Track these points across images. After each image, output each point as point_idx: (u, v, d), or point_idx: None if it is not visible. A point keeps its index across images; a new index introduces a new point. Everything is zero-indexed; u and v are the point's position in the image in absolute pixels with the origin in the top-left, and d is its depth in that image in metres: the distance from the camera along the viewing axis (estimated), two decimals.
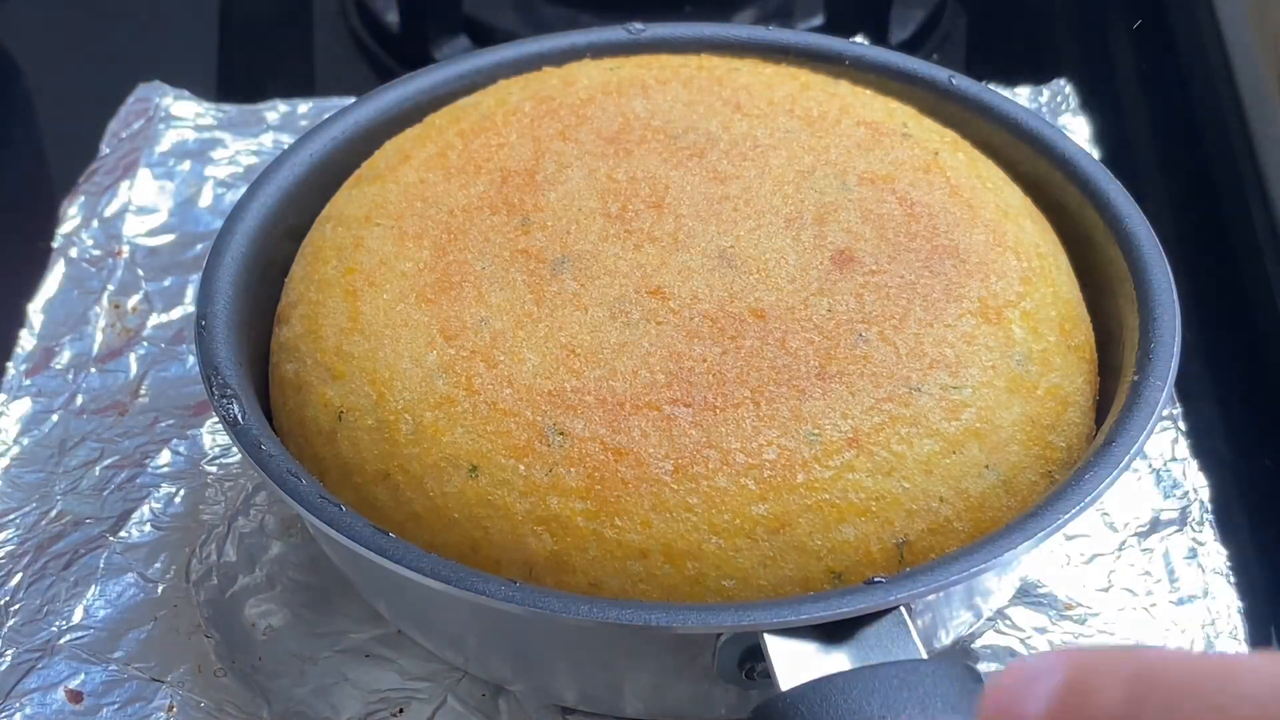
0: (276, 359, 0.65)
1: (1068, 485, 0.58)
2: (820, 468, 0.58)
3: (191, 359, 0.79)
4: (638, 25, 0.77)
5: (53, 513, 0.72)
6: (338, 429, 0.61)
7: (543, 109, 0.70)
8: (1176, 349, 0.62)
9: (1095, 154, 0.82)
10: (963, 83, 0.74)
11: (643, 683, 0.60)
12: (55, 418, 0.76)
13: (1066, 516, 0.57)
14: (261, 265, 0.68)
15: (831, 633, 0.54)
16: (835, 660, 0.53)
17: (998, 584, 0.63)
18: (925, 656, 0.53)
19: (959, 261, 0.64)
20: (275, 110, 0.92)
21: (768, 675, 0.55)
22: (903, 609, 0.54)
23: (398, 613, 0.64)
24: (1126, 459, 0.58)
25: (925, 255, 0.64)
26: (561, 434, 0.58)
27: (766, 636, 0.53)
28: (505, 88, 0.73)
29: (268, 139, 0.91)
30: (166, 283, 0.83)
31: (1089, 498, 0.57)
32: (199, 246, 0.84)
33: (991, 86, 0.75)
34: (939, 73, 0.75)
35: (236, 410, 0.60)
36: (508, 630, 0.59)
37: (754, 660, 0.55)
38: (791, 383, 0.59)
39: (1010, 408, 0.61)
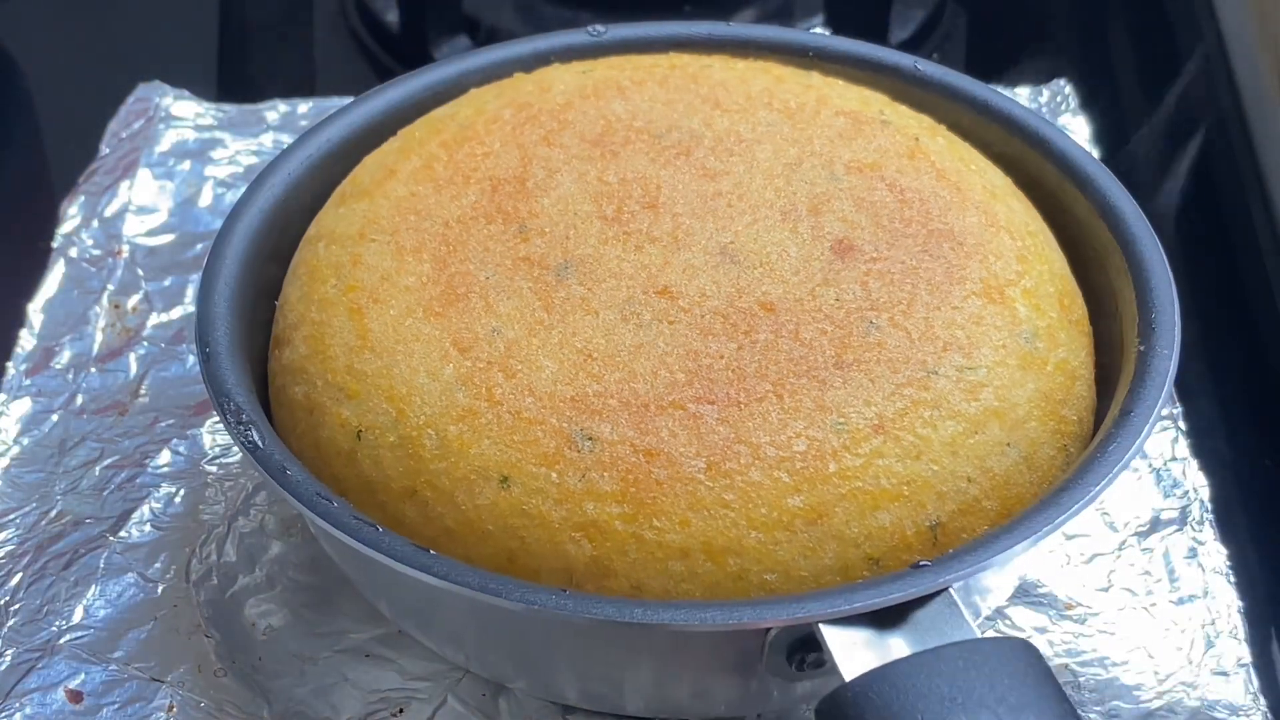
0: (281, 382, 0.65)
1: (1093, 458, 0.59)
2: (850, 456, 0.58)
3: (191, 359, 0.79)
4: (599, 27, 0.77)
5: (53, 513, 0.72)
6: (357, 448, 0.61)
7: (522, 115, 0.70)
8: (1177, 315, 0.63)
9: (1095, 154, 0.82)
10: (928, 68, 0.75)
11: (657, 681, 0.60)
12: (55, 418, 0.76)
13: (1097, 488, 0.57)
14: (252, 289, 0.67)
15: (884, 619, 0.54)
16: (892, 645, 0.54)
17: (997, 581, 0.63)
18: (980, 635, 0.54)
19: (956, 244, 0.65)
20: (275, 110, 0.92)
21: (817, 666, 0.55)
22: (951, 590, 0.55)
23: (399, 612, 0.64)
24: (1146, 428, 0.59)
25: (922, 240, 0.65)
26: (590, 439, 0.58)
27: (822, 627, 0.54)
28: (479, 96, 0.73)
29: (268, 139, 0.91)
30: (166, 283, 0.83)
31: (1117, 468, 0.58)
32: (199, 246, 0.84)
33: (992, 87, 0.75)
34: (903, 59, 0.75)
35: (256, 436, 0.60)
36: (514, 629, 0.59)
37: (803, 652, 0.55)
38: (811, 373, 0.60)
39: (1024, 385, 0.61)
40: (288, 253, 0.69)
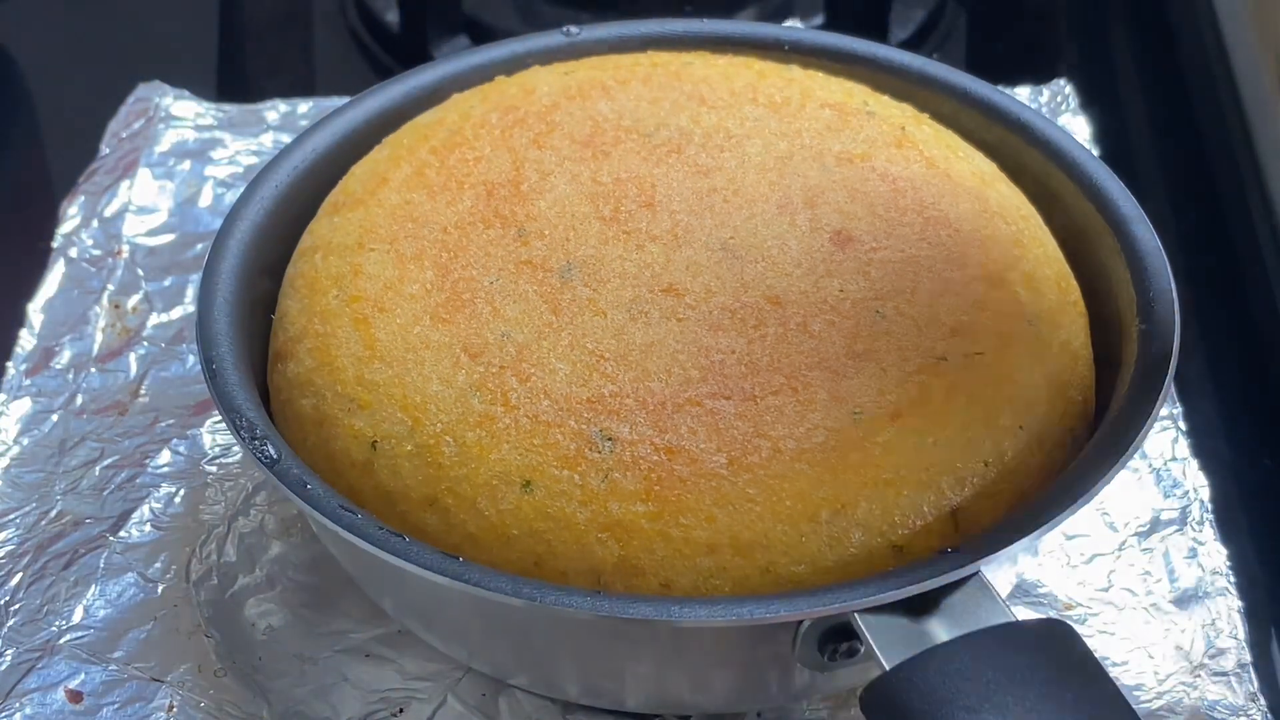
0: (286, 396, 0.64)
1: (1107, 435, 0.59)
2: (869, 445, 0.58)
3: (192, 359, 0.79)
4: (573, 28, 0.77)
5: (53, 513, 0.72)
6: (373, 459, 0.60)
7: (510, 119, 0.70)
8: (1175, 291, 0.64)
9: (1095, 153, 0.82)
10: (906, 58, 0.76)
11: (668, 676, 0.60)
12: (55, 417, 0.76)
13: (1117, 464, 0.58)
14: (247, 303, 0.67)
15: (919, 606, 0.54)
16: (929, 631, 0.54)
17: (995, 576, 0.63)
18: (1016, 619, 0.54)
19: (952, 231, 0.65)
20: (275, 110, 0.92)
21: (849, 655, 0.56)
22: (983, 574, 0.55)
23: (404, 611, 0.64)
24: (1156, 406, 0.59)
25: (919, 228, 0.65)
26: (610, 439, 0.58)
27: (859, 616, 0.54)
28: (464, 101, 0.73)
29: (268, 139, 0.91)
30: (166, 283, 0.83)
31: (1132, 445, 0.58)
32: (199, 246, 0.84)
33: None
34: (880, 50, 0.76)
35: (272, 450, 0.59)
36: (523, 627, 0.59)
37: (835, 642, 0.56)
38: (823, 365, 0.60)
39: (1031, 368, 0.62)
40: (280, 265, 0.69)
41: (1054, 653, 0.52)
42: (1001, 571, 0.64)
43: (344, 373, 0.62)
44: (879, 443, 0.58)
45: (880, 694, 0.52)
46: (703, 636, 0.56)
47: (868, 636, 0.54)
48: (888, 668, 0.52)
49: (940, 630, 0.54)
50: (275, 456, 0.59)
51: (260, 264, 0.68)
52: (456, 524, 0.59)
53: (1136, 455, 0.72)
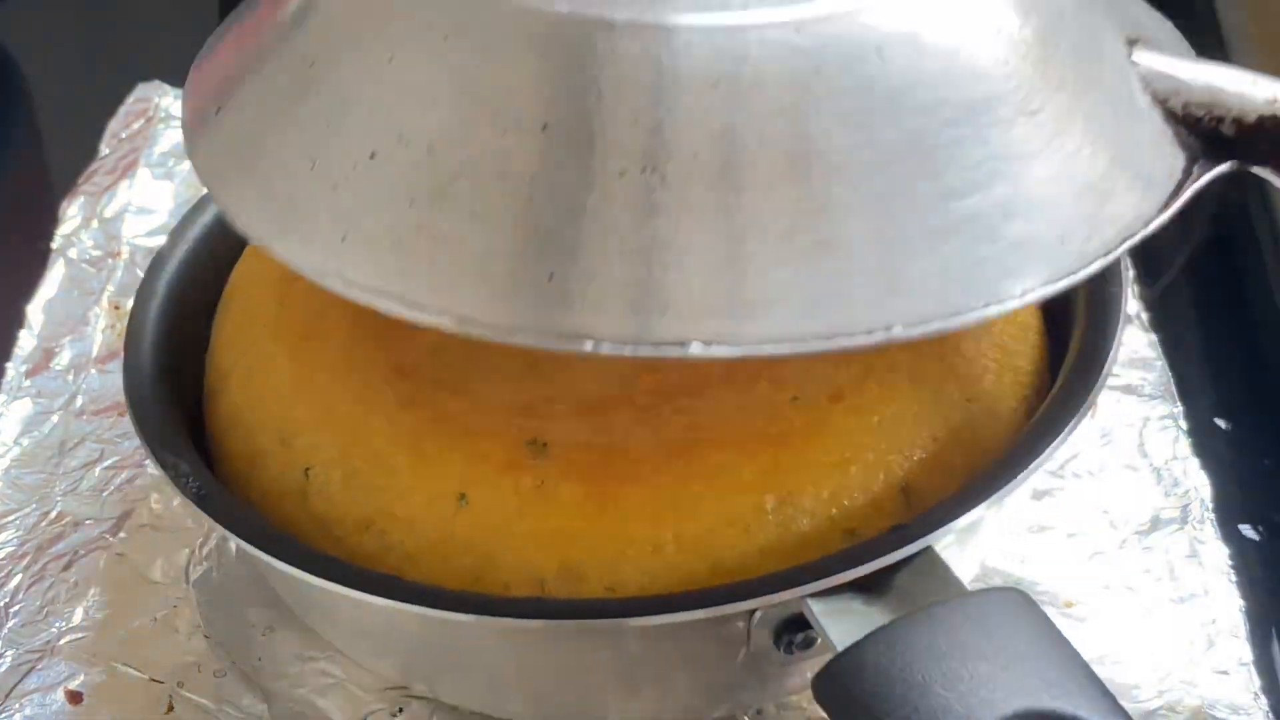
0: (219, 433, 0.63)
1: (1055, 402, 0.58)
2: (812, 429, 0.57)
3: None
4: None
5: (52, 514, 0.72)
6: (306, 486, 0.59)
7: None
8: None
9: None
10: None
11: (637, 685, 0.59)
12: (55, 419, 0.76)
13: (1064, 432, 0.56)
14: (180, 344, 0.66)
15: (871, 587, 0.53)
16: (883, 611, 0.52)
17: (953, 554, 0.62)
18: (969, 591, 0.53)
19: None
20: None
21: (807, 646, 0.54)
22: (934, 548, 0.53)
23: (345, 643, 0.63)
24: (1106, 367, 0.58)
25: None
26: (545, 444, 0.57)
27: (810, 602, 0.52)
28: None
29: None
30: None
31: (1081, 408, 0.57)
32: None
33: None
34: None
35: (200, 487, 0.58)
36: (457, 644, 0.58)
37: (791, 632, 0.54)
38: None
39: (977, 340, 0.61)
40: (212, 304, 0.68)
41: (1008, 623, 0.50)
42: (967, 551, 0.63)
43: (273, 404, 0.61)
44: (821, 426, 0.57)
45: (830, 679, 0.51)
46: (650, 638, 0.55)
47: (819, 622, 0.52)
48: (839, 649, 0.51)
49: (893, 610, 0.52)
50: (204, 492, 0.58)
51: (196, 303, 0.67)
52: (393, 545, 0.57)
53: (1138, 454, 0.73)
